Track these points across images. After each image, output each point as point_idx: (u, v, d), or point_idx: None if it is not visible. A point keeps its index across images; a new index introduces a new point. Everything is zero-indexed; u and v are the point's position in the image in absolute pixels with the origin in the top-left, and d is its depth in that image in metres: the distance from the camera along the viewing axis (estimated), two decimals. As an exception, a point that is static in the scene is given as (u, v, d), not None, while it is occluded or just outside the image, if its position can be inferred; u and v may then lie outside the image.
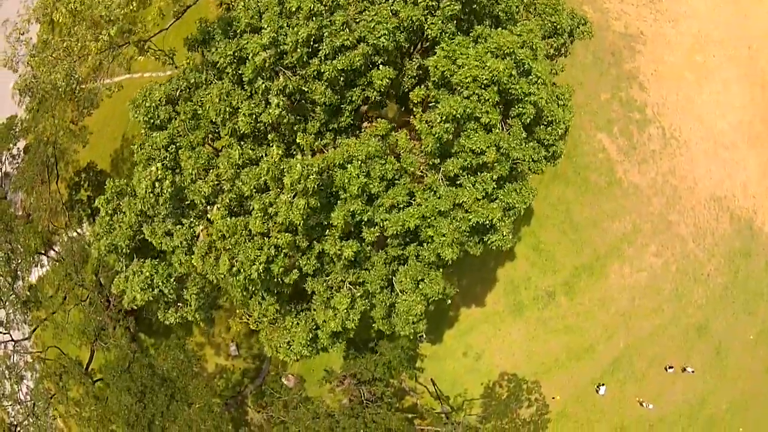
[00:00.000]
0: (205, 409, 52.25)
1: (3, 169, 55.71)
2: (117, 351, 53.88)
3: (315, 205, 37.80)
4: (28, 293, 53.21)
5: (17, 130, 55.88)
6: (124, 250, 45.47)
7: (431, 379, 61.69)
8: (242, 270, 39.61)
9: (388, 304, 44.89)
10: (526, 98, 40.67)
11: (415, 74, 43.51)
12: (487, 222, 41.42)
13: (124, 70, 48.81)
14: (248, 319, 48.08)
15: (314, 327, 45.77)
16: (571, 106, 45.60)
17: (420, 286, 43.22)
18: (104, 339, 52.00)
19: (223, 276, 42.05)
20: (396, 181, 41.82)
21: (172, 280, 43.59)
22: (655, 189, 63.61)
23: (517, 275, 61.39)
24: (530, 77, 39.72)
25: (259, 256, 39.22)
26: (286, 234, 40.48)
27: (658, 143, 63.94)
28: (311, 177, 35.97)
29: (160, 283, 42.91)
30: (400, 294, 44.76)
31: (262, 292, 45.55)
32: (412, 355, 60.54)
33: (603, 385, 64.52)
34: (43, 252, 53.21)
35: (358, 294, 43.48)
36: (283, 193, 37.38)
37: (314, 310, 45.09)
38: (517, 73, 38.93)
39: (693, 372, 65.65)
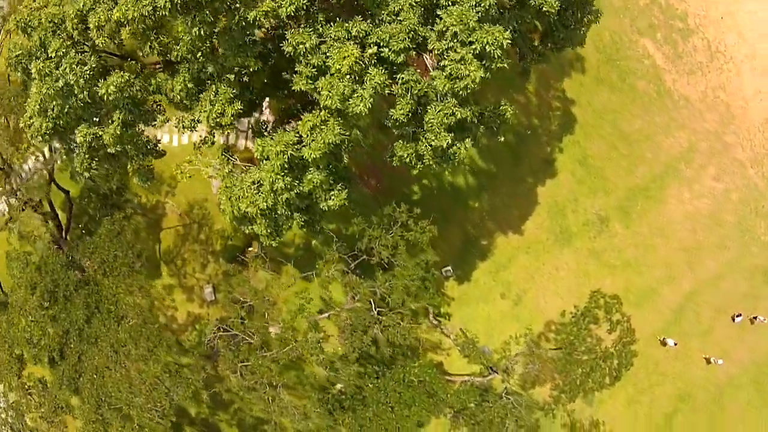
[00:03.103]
0: (138, 327, 22.83)
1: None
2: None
3: None
4: None
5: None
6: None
7: (460, 329, 32.26)
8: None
9: (416, 92, 16.69)
10: None
11: None
12: None
13: None
14: (197, 161, 20.10)
15: (297, 142, 22.59)
16: None
17: (473, 36, 15.15)
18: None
19: None
20: None
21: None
22: (707, 104, 37.53)
23: (562, 195, 33.90)
24: None
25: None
26: None
27: (704, 55, 38.46)
28: None
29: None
30: (435, 69, 21.49)
31: (216, 83, 17.06)
32: (440, 298, 31.17)
33: (669, 338, 35.62)
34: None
35: (369, 54, 15.25)
36: None
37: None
38: None
39: (765, 321, 36.80)
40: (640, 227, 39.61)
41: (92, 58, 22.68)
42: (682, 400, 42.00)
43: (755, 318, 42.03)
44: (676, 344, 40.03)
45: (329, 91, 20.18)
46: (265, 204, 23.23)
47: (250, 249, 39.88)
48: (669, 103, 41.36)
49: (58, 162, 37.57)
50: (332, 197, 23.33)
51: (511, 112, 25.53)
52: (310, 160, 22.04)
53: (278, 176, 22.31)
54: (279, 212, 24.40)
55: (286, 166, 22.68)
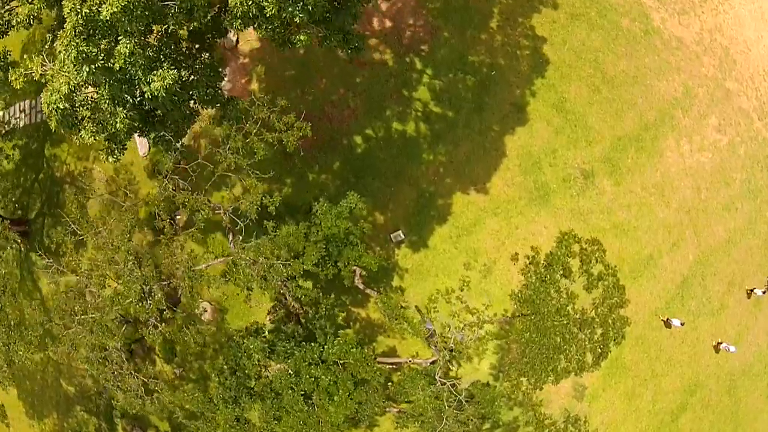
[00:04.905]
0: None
1: None
2: None
3: None
4: None
5: None
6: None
7: (415, 307, 19.65)
8: None
9: None
10: None
11: None
12: None
13: None
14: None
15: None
16: None
17: None
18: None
19: None
20: None
21: None
22: (704, 46, 25.27)
23: (537, 146, 21.89)
24: None
25: None
26: None
27: (696, -5, 26.37)
28: None
29: None
30: None
31: None
32: (385, 266, 18.38)
33: (673, 318, 22.29)
34: None
35: None
36: None
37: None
38: None
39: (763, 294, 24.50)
40: (633, 184, 27.95)
41: None
42: (690, 392, 29.64)
43: (752, 291, 29.61)
44: (682, 324, 27.90)
45: None
46: (66, 86, 14.85)
47: (178, 216, 29.22)
48: (659, 43, 29.95)
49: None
50: (154, 79, 13.10)
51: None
52: (109, 17, 12.04)
53: (72, 43, 13.93)
54: (103, 107, 14.87)
55: (81, 29, 13.65)
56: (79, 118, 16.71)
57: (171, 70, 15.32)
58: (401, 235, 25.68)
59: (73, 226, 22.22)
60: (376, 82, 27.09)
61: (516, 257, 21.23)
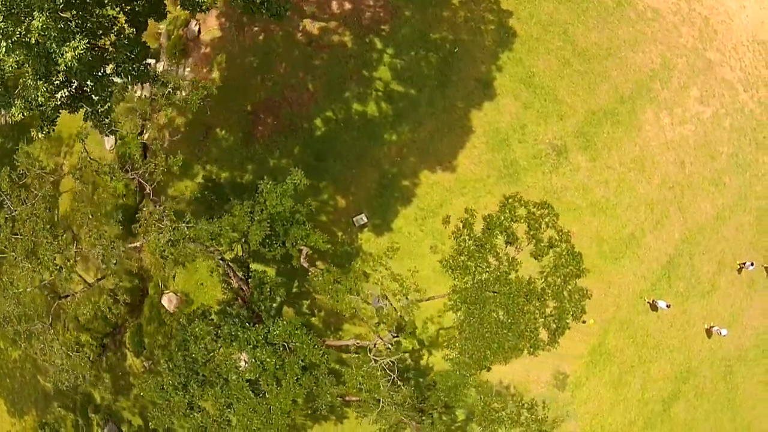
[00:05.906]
0: None
1: None
2: None
3: None
4: None
5: None
6: None
7: (382, 293, 17.21)
8: None
9: None
10: None
11: None
12: None
13: None
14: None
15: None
16: None
17: None
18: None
19: None
20: None
21: None
22: (682, 17, 22.61)
23: (505, 122, 19.38)
24: None
25: None
26: None
27: (672, -35, 23.77)
28: None
29: None
30: None
31: None
32: (348, 250, 16.05)
33: (659, 300, 19.37)
34: None
35: None
36: None
37: None
38: None
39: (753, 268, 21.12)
40: (610, 159, 25.44)
41: None
42: (683, 379, 26.76)
43: (743, 265, 26.66)
44: (669, 306, 25.15)
45: None
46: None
47: (144, 209, 27.69)
48: (632, 14, 27.53)
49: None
50: (66, 50, 13.55)
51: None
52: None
53: None
54: (28, 83, 13.90)
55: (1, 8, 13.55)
56: (12, 98, 15.93)
57: (83, 40, 14.23)
58: (364, 218, 23.49)
59: (7, 200, 20.93)
60: (336, 64, 25.26)
61: (447, 220, 18.67)
